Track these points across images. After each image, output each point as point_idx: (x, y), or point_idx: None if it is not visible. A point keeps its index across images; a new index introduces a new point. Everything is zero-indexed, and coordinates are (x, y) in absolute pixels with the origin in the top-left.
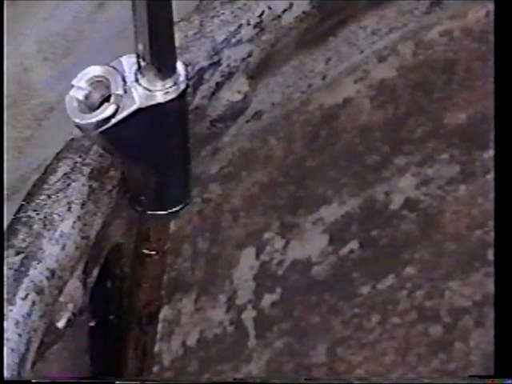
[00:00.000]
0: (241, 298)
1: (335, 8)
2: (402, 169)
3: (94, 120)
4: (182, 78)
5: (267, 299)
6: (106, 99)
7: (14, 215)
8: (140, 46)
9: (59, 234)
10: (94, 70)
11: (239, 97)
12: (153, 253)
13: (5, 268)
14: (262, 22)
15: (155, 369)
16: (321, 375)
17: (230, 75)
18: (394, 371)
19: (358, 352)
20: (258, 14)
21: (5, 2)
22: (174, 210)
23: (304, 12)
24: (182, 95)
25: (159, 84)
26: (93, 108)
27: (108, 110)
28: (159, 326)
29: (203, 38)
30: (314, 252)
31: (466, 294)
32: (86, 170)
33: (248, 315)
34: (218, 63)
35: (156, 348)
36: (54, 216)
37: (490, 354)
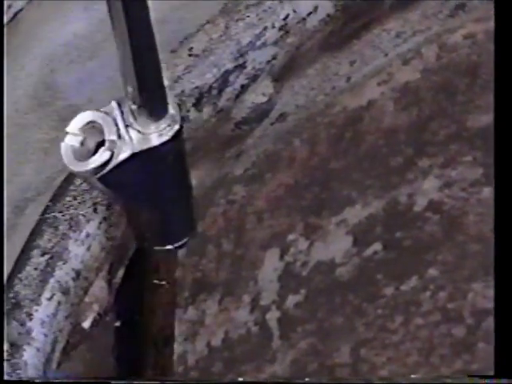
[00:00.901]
0: (265, 298)
1: (359, 11)
2: (425, 171)
3: (89, 167)
4: (175, 119)
5: (291, 300)
6: (101, 144)
7: (40, 216)
8: (129, 89)
9: (85, 234)
10: (87, 116)
11: (264, 99)
12: (163, 282)
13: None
14: (286, 24)
15: (180, 369)
16: (344, 376)
17: (254, 77)
18: (417, 372)
19: (381, 353)
20: (282, 16)
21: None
22: (180, 243)
23: (328, 15)
24: (177, 136)
25: (153, 126)
26: (88, 154)
27: (103, 156)
28: (184, 327)
29: (228, 40)
30: (337, 253)
31: (489, 295)
32: None
33: (272, 316)
34: (242, 65)
35: (181, 348)
36: (80, 217)
37: None
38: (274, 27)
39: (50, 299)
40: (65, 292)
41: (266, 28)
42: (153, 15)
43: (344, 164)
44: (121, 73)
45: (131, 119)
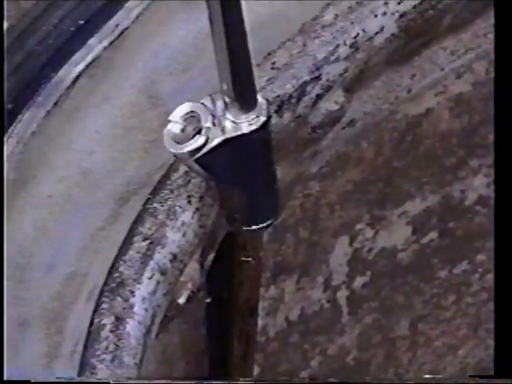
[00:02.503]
0: (336, 279)
1: (419, 31)
2: (475, 170)
3: (186, 150)
4: (263, 111)
5: (359, 281)
6: (198, 132)
7: (142, 207)
8: (224, 86)
9: (180, 223)
10: (187, 107)
11: (336, 107)
12: (250, 259)
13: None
14: (356, 42)
15: (262, 339)
16: (404, 346)
17: (328, 88)
18: (466, 344)
19: (436, 327)
20: (353, 35)
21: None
22: (265, 224)
23: (393, 34)
24: (264, 126)
25: (243, 117)
26: (187, 139)
27: (199, 140)
28: (266, 304)
29: (306, 56)
30: (399, 241)
31: None
32: None
33: (342, 294)
34: (318, 78)
35: (263, 322)
36: (176, 208)
37: None
38: (345, 45)
39: (150, 279)
40: (163, 272)
41: (338, 45)
42: None
43: (405, 163)
44: (218, 72)
45: (225, 111)
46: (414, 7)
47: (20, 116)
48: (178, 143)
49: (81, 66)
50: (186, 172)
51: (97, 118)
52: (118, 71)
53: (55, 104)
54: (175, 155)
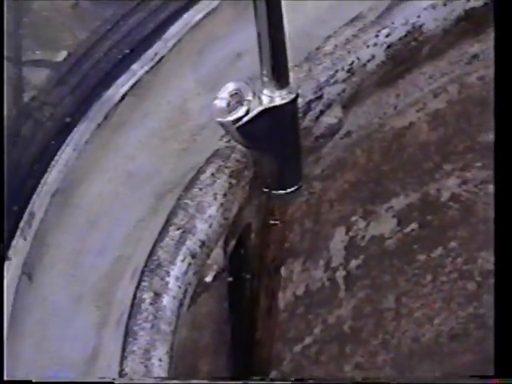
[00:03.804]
0: (335, 262)
1: (403, 59)
2: (448, 173)
3: (231, 118)
4: (293, 89)
5: (353, 263)
6: (241, 104)
7: (176, 202)
8: (264, 67)
9: (208, 215)
10: (232, 85)
11: (335, 120)
12: (277, 222)
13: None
14: (352, 68)
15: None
16: (390, 317)
17: (329, 105)
18: (441, 314)
19: (416, 301)
20: (349, 62)
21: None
22: (292, 189)
23: (382, 61)
24: (294, 100)
25: (277, 93)
26: (230, 111)
27: (241, 110)
28: None
29: (310, 79)
30: (386, 230)
31: (492, 260)
32: (227, 171)
33: (340, 274)
34: (320, 97)
35: None
36: (204, 203)
37: None
38: (343, 70)
39: (182, 261)
40: (193, 256)
41: (337, 70)
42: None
43: (391, 167)
44: (260, 58)
45: (262, 88)
46: (400, 39)
47: (76, 128)
48: (223, 113)
49: (126, 87)
50: (212, 174)
51: (139, 129)
52: (157, 91)
53: (105, 118)
54: (221, 124)
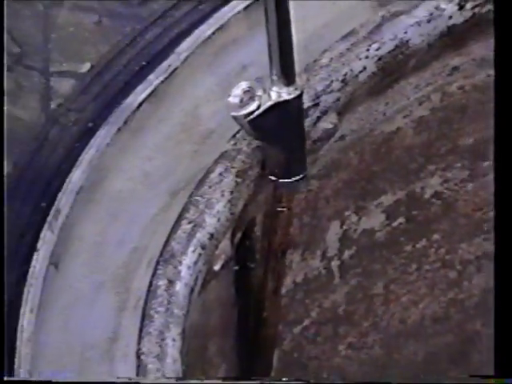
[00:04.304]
0: (330, 252)
1: (392, 70)
2: (432, 172)
3: (244, 112)
4: (299, 86)
5: (347, 253)
6: (252, 100)
7: (187, 199)
8: (273, 67)
9: (216, 211)
10: (245, 83)
11: (331, 126)
12: (284, 209)
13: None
14: (345, 79)
15: None
16: (379, 301)
17: (325, 112)
18: (425, 299)
19: (403, 287)
20: (343, 73)
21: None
22: (298, 178)
23: (373, 72)
24: (300, 96)
25: (285, 89)
26: (244, 106)
27: (253, 105)
28: None
29: (308, 88)
30: (376, 224)
31: (471, 251)
32: (234, 171)
33: (335, 263)
34: (318, 104)
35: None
36: (213, 200)
37: (487, 289)
38: (337, 80)
39: (193, 252)
40: (203, 247)
41: (332, 81)
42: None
43: (381, 167)
44: (269, 58)
45: (271, 85)
46: (389, 52)
47: (98, 132)
48: (236, 108)
49: (143, 95)
50: (220, 173)
51: (155, 133)
52: (171, 99)
53: (124, 123)
54: (235, 117)
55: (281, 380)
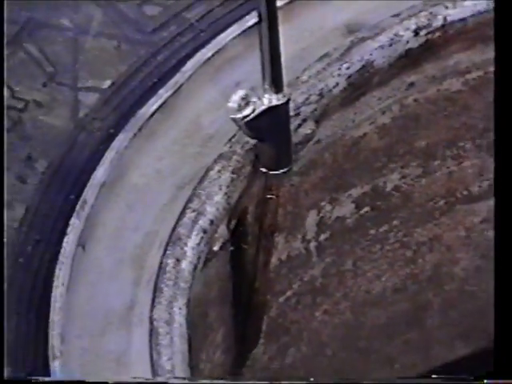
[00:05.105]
0: (309, 235)
1: (360, 86)
2: (392, 169)
3: (241, 115)
4: (286, 94)
5: (323, 236)
6: (248, 105)
7: (192, 192)
8: (265, 78)
9: (215, 201)
10: (242, 91)
11: (309, 131)
12: (273, 196)
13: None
14: (322, 93)
15: None
16: (349, 276)
17: (304, 120)
18: (386, 273)
19: (368, 264)
20: (320, 88)
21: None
22: (285, 170)
23: (344, 88)
24: (287, 102)
25: (275, 96)
26: (241, 110)
27: (248, 109)
28: None
29: (291, 101)
30: (347, 212)
31: (425, 234)
32: (230, 168)
33: (312, 245)
34: (299, 114)
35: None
36: (212, 192)
37: (438, 265)
38: (315, 94)
39: (196, 235)
40: (204, 232)
41: (311, 94)
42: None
43: (351, 166)
44: (262, 70)
45: (264, 93)
46: (357, 71)
47: (117, 137)
48: (235, 112)
49: (155, 107)
50: (218, 171)
51: (165, 138)
52: (178, 110)
53: (139, 130)
54: (234, 119)
55: (279, 380)
